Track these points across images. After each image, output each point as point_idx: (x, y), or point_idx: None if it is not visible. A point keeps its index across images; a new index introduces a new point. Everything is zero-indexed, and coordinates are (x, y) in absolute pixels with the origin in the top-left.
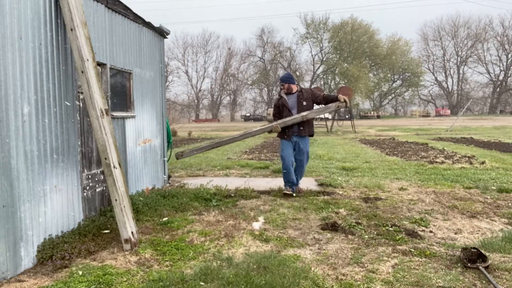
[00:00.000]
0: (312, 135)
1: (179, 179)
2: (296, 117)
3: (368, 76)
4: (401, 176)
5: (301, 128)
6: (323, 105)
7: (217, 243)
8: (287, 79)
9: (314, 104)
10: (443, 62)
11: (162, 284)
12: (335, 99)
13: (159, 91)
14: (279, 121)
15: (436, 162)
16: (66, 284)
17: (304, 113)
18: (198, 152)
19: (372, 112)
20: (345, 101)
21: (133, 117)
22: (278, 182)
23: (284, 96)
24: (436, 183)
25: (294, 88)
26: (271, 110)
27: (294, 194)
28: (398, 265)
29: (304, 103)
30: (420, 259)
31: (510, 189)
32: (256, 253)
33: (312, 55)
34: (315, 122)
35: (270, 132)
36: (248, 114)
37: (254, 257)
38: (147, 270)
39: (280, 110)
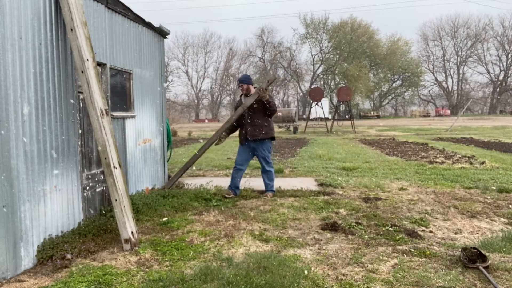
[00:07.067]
0: (271, 138)
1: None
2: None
3: (368, 76)
4: (401, 176)
5: (249, 131)
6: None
7: (217, 243)
8: (246, 80)
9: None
10: (443, 62)
11: (162, 284)
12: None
13: (159, 91)
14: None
15: (436, 162)
16: (66, 284)
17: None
18: (177, 178)
19: (372, 112)
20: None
21: (133, 117)
22: (277, 183)
23: (242, 98)
24: (436, 183)
25: (252, 89)
26: None
27: (228, 196)
28: (398, 265)
29: (255, 105)
30: (420, 259)
31: (510, 189)
32: (256, 253)
33: (312, 55)
34: (315, 122)
35: (218, 142)
36: None
37: (254, 257)
38: (147, 270)
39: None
